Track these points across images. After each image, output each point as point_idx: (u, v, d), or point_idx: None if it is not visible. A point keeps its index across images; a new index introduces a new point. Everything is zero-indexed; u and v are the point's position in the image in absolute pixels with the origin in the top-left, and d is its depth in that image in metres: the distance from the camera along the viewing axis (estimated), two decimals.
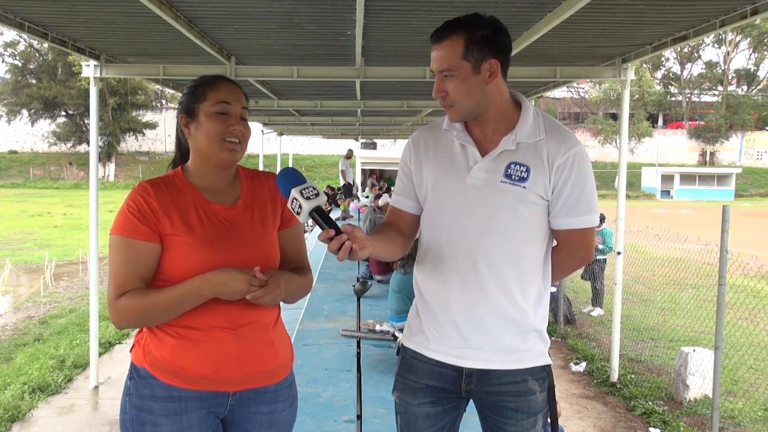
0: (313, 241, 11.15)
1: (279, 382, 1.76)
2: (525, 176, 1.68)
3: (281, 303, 1.77)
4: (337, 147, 38.35)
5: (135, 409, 1.66)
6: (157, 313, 1.61)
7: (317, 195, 1.57)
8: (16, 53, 41.06)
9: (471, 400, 1.84)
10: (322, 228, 1.54)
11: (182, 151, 1.80)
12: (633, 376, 6.34)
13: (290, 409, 1.81)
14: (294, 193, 1.57)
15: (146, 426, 1.64)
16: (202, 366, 1.63)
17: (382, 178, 19.94)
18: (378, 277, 6.80)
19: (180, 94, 1.87)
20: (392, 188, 1.91)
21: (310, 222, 1.64)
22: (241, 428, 1.74)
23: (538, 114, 1.75)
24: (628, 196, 8.41)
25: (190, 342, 1.63)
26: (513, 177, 1.68)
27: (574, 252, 1.80)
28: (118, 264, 1.62)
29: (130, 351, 1.75)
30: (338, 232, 1.52)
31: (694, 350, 5.76)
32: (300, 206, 1.56)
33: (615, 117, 39.58)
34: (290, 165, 22.28)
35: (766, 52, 46.86)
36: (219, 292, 1.59)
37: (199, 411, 1.66)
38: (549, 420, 1.84)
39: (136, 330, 1.76)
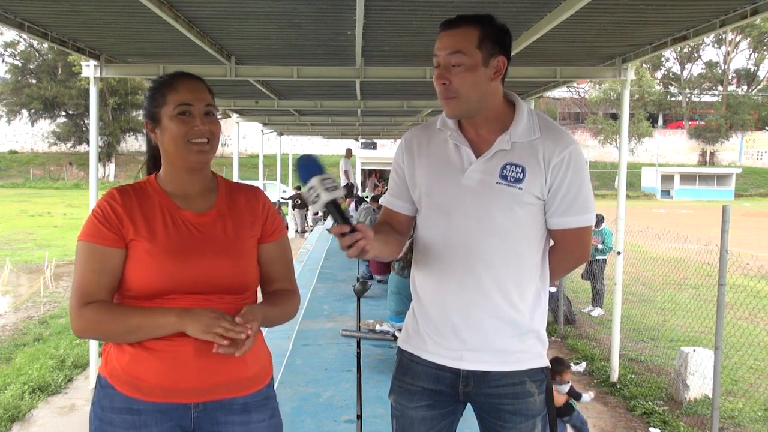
0: (313, 241, 11.15)
1: (250, 395, 1.66)
2: (521, 177, 1.67)
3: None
4: (337, 147, 38.26)
5: (98, 420, 1.61)
6: (121, 332, 1.56)
7: (336, 188, 1.56)
8: (16, 53, 41.04)
9: (469, 404, 1.82)
10: (335, 221, 1.55)
11: (155, 155, 1.73)
12: (633, 376, 6.34)
13: (270, 421, 1.70)
14: (314, 181, 1.55)
15: None
16: (159, 376, 1.57)
17: (381, 178, 19.90)
18: (378, 277, 6.79)
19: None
20: None
21: (319, 213, 1.58)
22: None
23: (533, 113, 1.73)
24: (628, 196, 8.41)
25: (147, 352, 1.57)
26: (509, 178, 1.67)
27: (572, 251, 1.79)
28: (82, 270, 1.58)
29: None
30: (353, 229, 1.52)
31: (694, 350, 5.76)
32: (318, 195, 1.54)
33: (615, 117, 39.49)
34: (290, 165, 22.08)
35: (766, 52, 46.79)
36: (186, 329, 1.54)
37: (162, 425, 1.59)
38: (549, 423, 1.82)
39: None
